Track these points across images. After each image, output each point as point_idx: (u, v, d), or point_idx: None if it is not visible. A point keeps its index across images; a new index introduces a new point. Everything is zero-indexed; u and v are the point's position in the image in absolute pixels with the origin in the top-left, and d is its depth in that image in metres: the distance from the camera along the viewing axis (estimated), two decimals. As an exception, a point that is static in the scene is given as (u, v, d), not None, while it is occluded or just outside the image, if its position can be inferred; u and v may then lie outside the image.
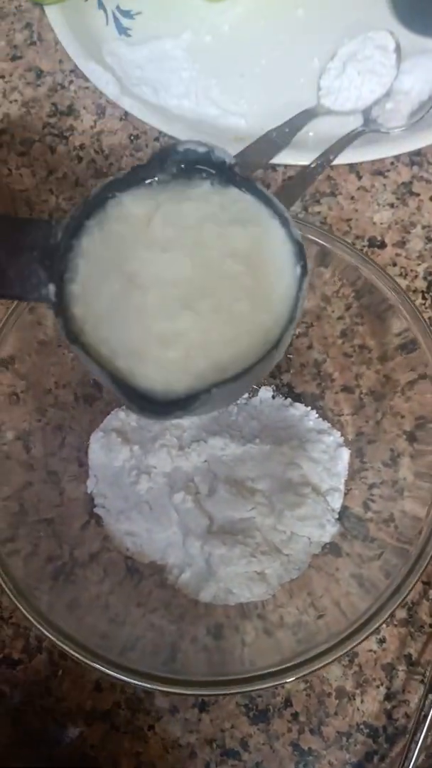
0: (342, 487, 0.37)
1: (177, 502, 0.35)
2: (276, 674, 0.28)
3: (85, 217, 0.25)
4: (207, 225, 0.25)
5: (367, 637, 0.28)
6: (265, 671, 0.28)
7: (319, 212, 0.45)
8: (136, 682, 0.30)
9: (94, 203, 0.25)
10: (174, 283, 0.24)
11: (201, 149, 0.26)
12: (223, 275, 0.24)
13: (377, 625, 0.28)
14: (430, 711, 0.33)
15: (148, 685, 0.30)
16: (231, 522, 0.35)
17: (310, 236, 0.38)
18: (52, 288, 0.24)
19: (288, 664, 0.28)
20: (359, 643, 0.28)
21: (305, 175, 0.44)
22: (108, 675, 0.31)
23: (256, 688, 0.29)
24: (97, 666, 0.31)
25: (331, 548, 0.37)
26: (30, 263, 0.24)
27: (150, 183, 0.26)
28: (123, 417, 0.38)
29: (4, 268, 0.24)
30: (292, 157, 0.44)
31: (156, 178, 0.26)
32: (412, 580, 0.29)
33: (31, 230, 0.24)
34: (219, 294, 0.24)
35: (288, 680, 0.28)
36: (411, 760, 0.33)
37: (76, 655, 0.31)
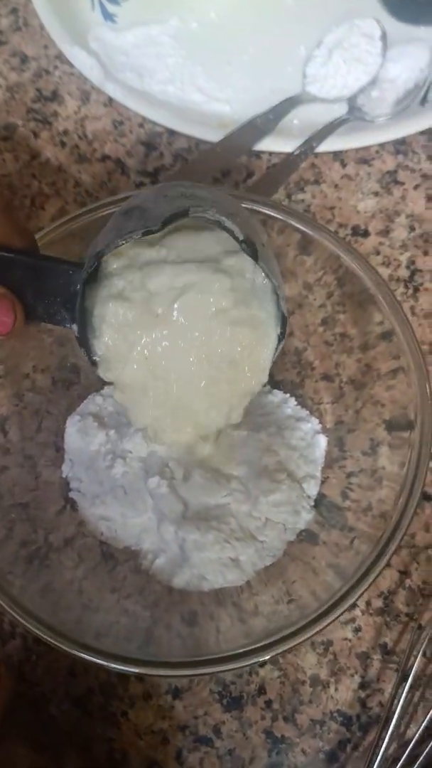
0: (318, 474, 0.37)
1: (152, 487, 0.35)
2: (247, 654, 0.28)
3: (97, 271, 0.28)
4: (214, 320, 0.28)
5: (336, 618, 0.28)
6: (236, 651, 0.28)
7: (302, 200, 0.44)
8: (109, 663, 0.30)
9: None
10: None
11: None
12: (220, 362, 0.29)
13: (346, 606, 0.28)
14: (401, 700, 0.33)
15: (121, 667, 0.30)
16: (206, 508, 0.35)
17: (293, 223, 0.37)
18: (75, 327, 0.28)
19: (259, 644, 0.28)
20: (328, 625, 0.28)
21: (289, 162, 0.43)
22: (81, 658, 0.30)
23: (228, 668, 0.28)
24: (70, 650, 0.30)
25: (308, 537, 0.37)
26: (54, 305, 0.28)
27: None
28: (100, 402, 0.38)
29: (34, 305, 0.28)
30: (276, 144, 0.44)
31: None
32: (381, 563, 0.29)
33: (53, 278, 0.28)
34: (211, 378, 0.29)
35: (259, 659, 0.28)
36: (381, 749, 0.33)
37: (50, 639, 0.31)
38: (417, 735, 0.32)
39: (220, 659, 0.29)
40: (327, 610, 0.28)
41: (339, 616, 0.28)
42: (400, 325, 0.36)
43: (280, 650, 0.28)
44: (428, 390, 0.34)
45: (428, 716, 0.32)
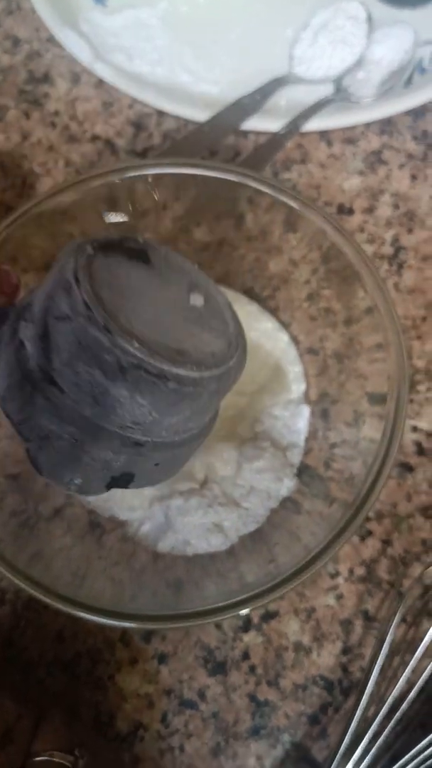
0: (302, 443, 0.38)
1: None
2: (225, 608, 0.29)
3: None
4: None
5: (313, 572, 0.29)
6: (215, 606, 0.29)
7: (289, 179, 0.45)
8: (98, 618, 0.31)
9: None
10: None
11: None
12: None
13: (320, 564, 0.29)
14: (379, 663, 0.34)
15: (112, 621, 0.31)
16: (190, 474, 0.36)
17: (282, 199, 0.38)
18: None
19: (237, 599, 0.29)
20: (306, 577, 0.29)
21: (275, 141, 0.44)
22: (72, 614, 0.31)
23: (208, 620, 0.29)
24: (63, 607, 0.31)
25: (292, 506, 0.38)
26: None
27: None
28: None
29: None
30: (262, 123, 0.44)
31: None
32: (352, 528, 0.29)
33: None
34: None
35: (233, 614, 0.29)
36: (359, 710, 0.33)
37: (41, 596, 0.31)
38: (391, 698, 0.33)
39: (201, 612, 0.29)
40: (301, 568, 0.29)
41: (312, 573, 0.29)
42: (381, 301, 0.37)
43: (257, 605, 0.29)
44: (405, 364, 0.35)
45: (402, 677, 0.33)
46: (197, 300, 0.27)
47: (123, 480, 0.26)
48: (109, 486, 0.27)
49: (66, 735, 0.31)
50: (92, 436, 0.24)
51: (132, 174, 0.37)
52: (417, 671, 0.35)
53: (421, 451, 0.40)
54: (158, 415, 0.24)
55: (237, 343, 0.27)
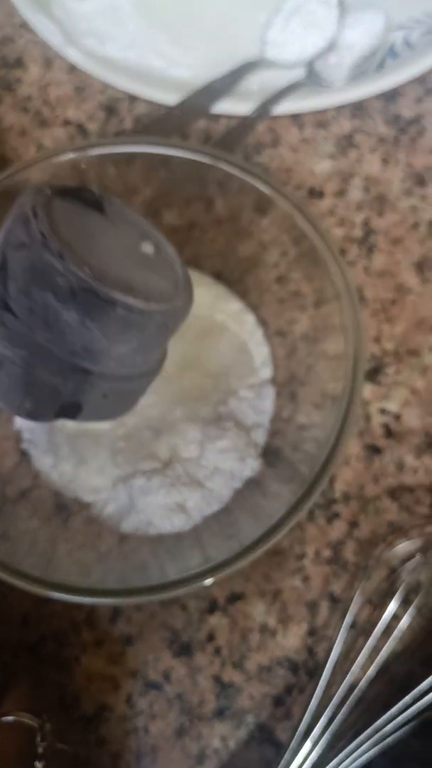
0: (267, 423, 0.37)
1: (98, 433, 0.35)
2: (187, 580, 0.29)
3: None
4: None
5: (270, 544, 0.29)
6: (178, 577, 0.29)
7: (260, 162, 0.45)
8: (64, 595, 0.31)
9: None
10: None
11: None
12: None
13: (281, 534, 0.29)
14: (340, 639, 0.34)
15: (74, 597, 0.31)
16: (153, 455, 0.36)
17: (251, 182, 0.38)
18: None
19: (198, 570, 0.29)
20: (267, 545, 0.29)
21: (246, 124, 0.44)
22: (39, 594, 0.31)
23: (170, 594, 0.29)
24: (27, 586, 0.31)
25: (257, 487, 0.38)
26: None
27: None
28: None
29: None
30: (234, 106, 0.44)
31: None
32: (308, 501, 0.29)
33: None
34: None
35: (196, 585, 0.29)
36: (320, 689, 0.33)
37: (7, 577, 0.32)
38: (349, 675, 0.33)
39: (166, 584, 0.29)
40: (258, 540, 0.29)
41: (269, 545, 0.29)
42: (344, 286, 0.36)
43: (217, 575, 0.29)
44: (361, 347, 0.35)
45: (359, 657, 0.33)
46: (148, 248, 0.29)
47: (72, 410, 0.28)
48: (58, 414, 0.28)
49: (33, 699, 0.32)
50: (43, 361, 0.26)
51: (99, 152, 0.37)
52: (381, 654, 0.35)
53: (389, 433, 0.40)
54: (107, 343, 0.25)
55: (184, 288, 0.28)
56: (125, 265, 0.26)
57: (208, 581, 0.29)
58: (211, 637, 0.37)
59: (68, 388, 0.26)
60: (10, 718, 0.29)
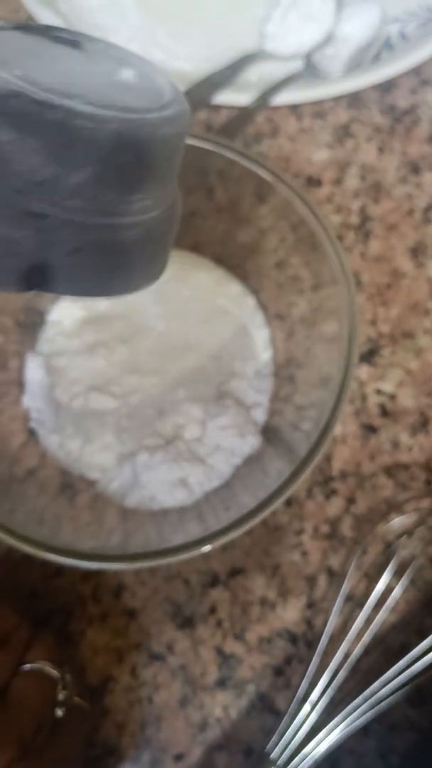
0: (266, 402, 0.39)
1: (102, 407, 0.37)
2: (186, 546, 0.30)
3: None
4: None
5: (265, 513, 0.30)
6: (177, 544, 0.30)
7: (259, 152, 0.46)
8: (72, 560, 0.31)
9: None
10: None
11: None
12: None
13: (274, 505, 0.30)
14: (333, 610, 0.35)
15: (80, 562, 0.32)
16: (155, 432, 0.37)
17: (251, 168, 0.39)
18: None
19: (196, 537, 0.30)
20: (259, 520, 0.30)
21: (245, 114, 0.45)
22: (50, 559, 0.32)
23: (169, 559, 0.30)
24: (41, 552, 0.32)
25: (258, 465, 0.39)
26: None
27: None
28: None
29: None
30: (233, 98, 0.45)
31: None
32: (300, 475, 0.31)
33: None
34: None
35: (195, 551, 0.30)
36: (317, 656, 0.34)
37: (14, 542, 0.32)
38: (345, 643, 0.34)
39: (164, 551, 0.31)
40: (254, 510, 0.30)
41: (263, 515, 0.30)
42: (342, 271, 0.38)
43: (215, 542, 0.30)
44: (355, 329, 0.36)
45: (353, 628, 0.34)
46: (126, 74, 0.24)
47: (42, 274, 0.23)
48: (28, 282, 0.23)
49: (57, 652, 0.33)
50: None
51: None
52: (375, 623, 0.37)
53: (384, 413, 0.41)
54: (57, 168, 0.21)
55: (170, 105, 0.23)
56: (87, 84, 0.22)
57: (206, 548, 0.30)
58: (212, 610, 0.39)
59: (27, 240, 0.22)
60: (35, 665, 0.31)
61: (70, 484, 0.40)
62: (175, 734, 0.37)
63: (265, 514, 0.30)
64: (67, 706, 0.31)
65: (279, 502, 0.30)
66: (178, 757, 0.37)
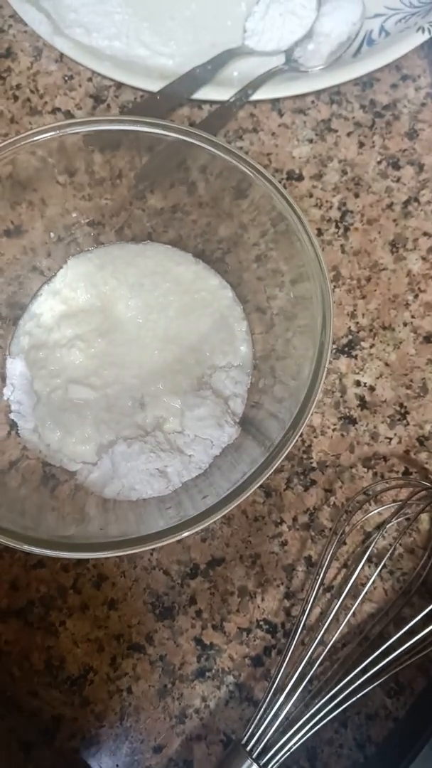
0: (244, 393, 0.39)
1: (79, 396, 0.37)
2: (165, 533, 0.30)
3: None
4: None
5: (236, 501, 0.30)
6: (156, 530, 0.31)
7: (241, 147, 0.46)
8: (49, 551, 0.32)
9: None
10: None
11: None
12: None
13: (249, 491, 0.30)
14: (310, 598, 0.35)
15: (58, 552, 0.32)
16: (134, 424, 0.37)
17: (232, 162, 0.39)
18: None
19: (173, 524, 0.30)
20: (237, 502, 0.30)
21: (226, 110, 0.45)
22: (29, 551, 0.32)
23: (148, 546, 0.31)
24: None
25: (237, 455, 0.39)
26: None
27: None
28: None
29: None
30: (214, 93, 0.46)
31: None
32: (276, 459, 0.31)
33: None
34: None
35: (173, 538, 0.30)
36: (291, 645, 0.35)
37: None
38: (321, 632, 0.34)
39: (143, 538, 0.31)
40: (228, 497, 0.30)
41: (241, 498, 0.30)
42: (316, 265, 0.38)
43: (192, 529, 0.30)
44: (329, 323, 0.36)
45: (328, 618, 0.34)
46: None
47: None
48: None
49: None
50: None
51: (78, 130, 0.38)
52: (356, 615, 0.37)
53: (363, 404, 0.41)
54: None
55: None
56: None
57: (184, 534, 0.30)
58: (192, 601, 0.39)
59: None
60: None
61: (52, 475, 0.40)
62: (155, 725, 0.38)
63: (240, 500, 0.30)
64: None
65: (253, 488, 0.30)
66: (157, 749, 0.37)
